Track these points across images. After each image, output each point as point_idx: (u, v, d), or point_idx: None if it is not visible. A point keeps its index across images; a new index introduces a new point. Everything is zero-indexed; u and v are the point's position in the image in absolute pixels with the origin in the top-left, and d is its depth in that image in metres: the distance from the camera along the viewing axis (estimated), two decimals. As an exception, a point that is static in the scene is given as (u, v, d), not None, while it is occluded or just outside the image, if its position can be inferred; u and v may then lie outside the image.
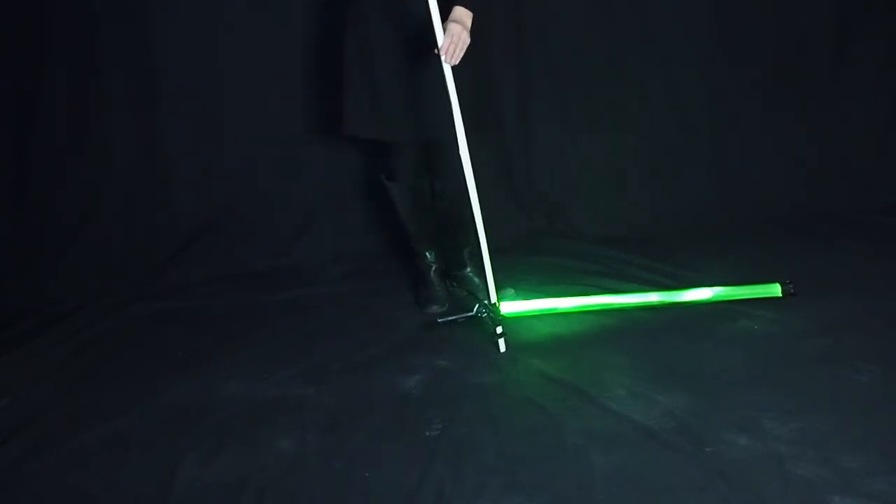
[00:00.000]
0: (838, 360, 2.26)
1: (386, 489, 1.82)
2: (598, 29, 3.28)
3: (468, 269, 2.83)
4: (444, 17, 2.28)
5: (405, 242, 2.89)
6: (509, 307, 2.53)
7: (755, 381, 2.18)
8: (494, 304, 2.42)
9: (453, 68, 2.29)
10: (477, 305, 2.45)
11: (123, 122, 3.11)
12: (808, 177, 3.48)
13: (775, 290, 2.62)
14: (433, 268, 2.82)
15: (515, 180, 3.35)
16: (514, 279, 2.81)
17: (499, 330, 2.40)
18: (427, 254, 2.82)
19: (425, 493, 1.79)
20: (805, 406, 2.05)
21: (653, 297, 2.63)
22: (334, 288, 2.95)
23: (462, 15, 2.30)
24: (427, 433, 2.02)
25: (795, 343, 2.37)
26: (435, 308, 2.71)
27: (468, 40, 2.29)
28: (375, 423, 2.08)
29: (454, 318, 2.45)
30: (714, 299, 2.61)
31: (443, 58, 2.26)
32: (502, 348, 2.40)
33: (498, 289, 2.47)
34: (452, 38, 2.26)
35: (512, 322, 2.51)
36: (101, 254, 3.08)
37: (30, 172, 3.09)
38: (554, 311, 2.60)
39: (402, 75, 2.47)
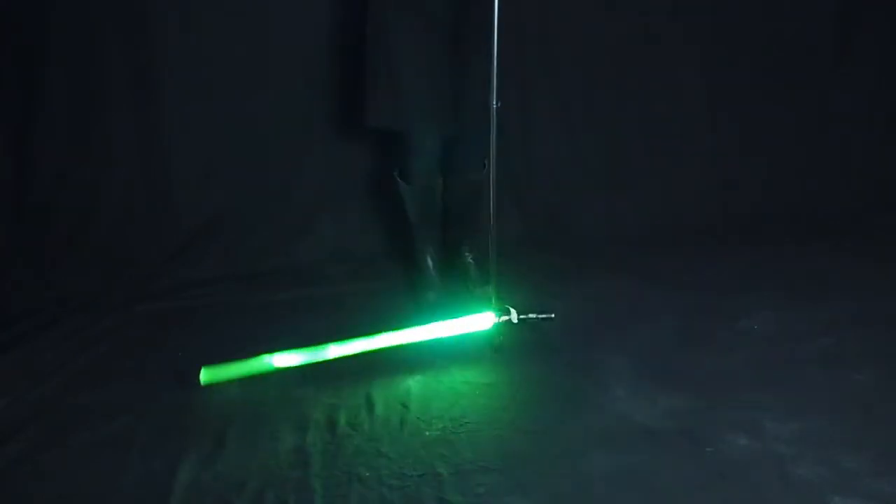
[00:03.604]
0: (838, 361, 2.26)
1: (386, 489, 1.82)
2: (598, 29, 3.28)
3: (468, 257, 2.85)
4: None
5: (407, 240, 2.88)
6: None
7: (755, 381, 2.18)
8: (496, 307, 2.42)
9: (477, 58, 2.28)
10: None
11: (123, 122, 3.11)
12: (807, 177, 3.48)
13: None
14: (432, 265, 2.82)
15: (515, 180, 3.35)
16: (515, 279, 2.81)
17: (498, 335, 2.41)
18: (430, 250, 2.82)
19: (425, 493, 1.79)
20: (805, 406, 2.05)
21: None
22: (334, 288, 2.95)
23: None
24: (427, 433, 2.02)
25: (795, 343, 2.37)
26: (431, 296, 2.71)
27: None
28: (375, 423, 2.08)
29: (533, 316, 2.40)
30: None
31: None
32: (501, 351, 2.39)
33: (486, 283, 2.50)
34: None
35: (512, 322, 2.51)
36: (101, 254, 3.08)
37: (30, 172, 3.09)
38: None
39: (430, 65, 2.45)
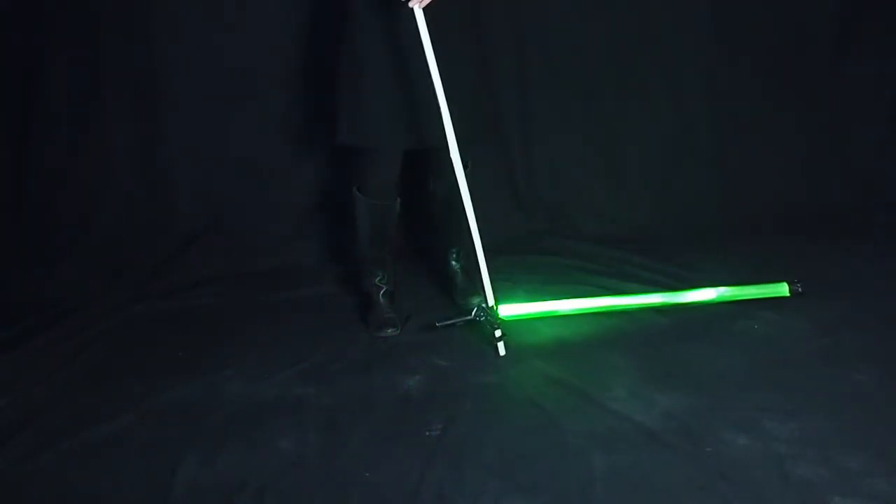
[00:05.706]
0: (838, 361, 2.26)
1: (386, 489, 1.82)
2: (598, 29, 3.27)
3: (455, 265, 2.80)
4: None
5: (357, 271, 2.80)
6: (508, 310, 2.50)
7: (755, 381, 2.18)
8: (492, 307, 2.41)
9: (452, 70, 2.27)
10: (475, 309, 2.44)
11: (123, 122, 3.11)
12: (808, 177, 3.48)
13: (782, 289, 2.59)
14: (383, 290, 2.68)
15: (515, 180, 3.35)
16: (515, 279, 2.82)
17: (497, 333, 2.39)
18: (379, 273, 2.70)
19: (425, 493, 1.79)
20: (805, 406, 2.05)
21: (656, 299, 2.60)
22: (334, 288, 2.94)
23: None
24: (427, 433, 2.02)
25: (796, 343, 2.37)
26: (390, 331, 2.56)
27: None
28: (375, 423, 2.08)
29: (453, 321, 2.44)
30: (718, 300, 2.58)
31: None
32: (502, 352, 2.39)
33: (471, 295, 2.55)
34: None
35: (512, 322, 2.51)
36: (101, 254, 3.08)
37: (30, 172, 3.09)
38: (553, 314, 2.57)
39: (397, 80, 2.37)
